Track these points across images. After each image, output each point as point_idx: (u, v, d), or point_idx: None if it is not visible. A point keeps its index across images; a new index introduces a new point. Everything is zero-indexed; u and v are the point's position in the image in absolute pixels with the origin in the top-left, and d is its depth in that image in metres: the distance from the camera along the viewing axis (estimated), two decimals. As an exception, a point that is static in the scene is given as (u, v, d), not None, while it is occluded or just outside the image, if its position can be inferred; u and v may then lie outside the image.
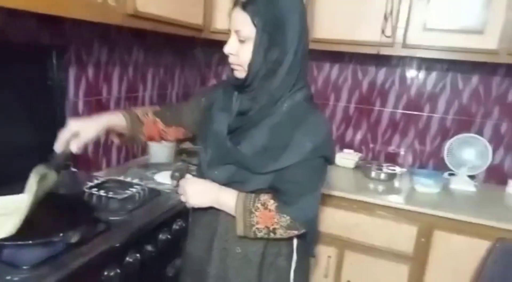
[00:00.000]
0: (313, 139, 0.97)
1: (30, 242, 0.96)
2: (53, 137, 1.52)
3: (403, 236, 1.74)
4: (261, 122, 1.01)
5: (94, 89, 1.73)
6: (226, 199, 1.02)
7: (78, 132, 1.05)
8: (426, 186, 1.89)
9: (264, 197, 1.00)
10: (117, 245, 1.09)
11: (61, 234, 0.99)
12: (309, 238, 1.08)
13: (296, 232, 1.03)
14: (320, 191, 1.04)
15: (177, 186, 1.09)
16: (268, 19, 0.93)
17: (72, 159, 1.13)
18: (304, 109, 1.01)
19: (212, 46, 2.46)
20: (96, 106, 1.75)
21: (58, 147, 1.04)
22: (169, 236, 1.32)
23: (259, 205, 0.99)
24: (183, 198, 1.09)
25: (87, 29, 1.62)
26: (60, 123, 1.49)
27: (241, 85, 1.02)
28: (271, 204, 0.99)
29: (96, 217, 1.16)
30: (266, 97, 0.99)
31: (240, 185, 1.02)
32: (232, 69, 1.03)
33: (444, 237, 1.68)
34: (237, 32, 0.97)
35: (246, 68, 0.98)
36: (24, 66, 1.36)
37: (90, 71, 1.69)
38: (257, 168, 0.99)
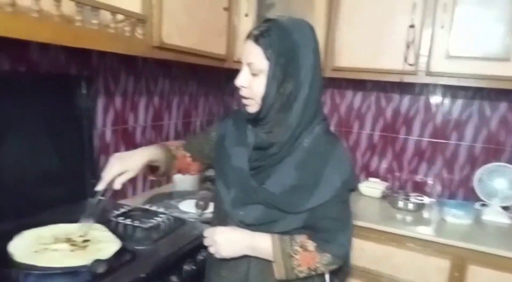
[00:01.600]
0: (341, 174, 0.97)
1: (58, 271, 0.96)
2: (81, 166, 1.54)
3: (435, 270, 1.65)
4: (284, 160, 0.98)
5: (121, 118, 1.76)
6: (261, 245, 0.98)
7: (122, 172, 1.02)
8: (457, 217, 1.81)
9: (300, 238, 0.98)
10: (143, 275, 1.06)
11: (88, 264, 0.98)
12: (344, 267, 1.06)
13: (336, 266, 1.01)
14: (352, 222, 1.03)
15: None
16: (281, 52, 0.92)
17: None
18: (327, 144, 0.99)
19: (235, 75, 2.50)
20: (123, 134, 1.78)
21: (101, 187, 1.02)
22: (193, 267, 1.28)
23: (297, 248, 0.96)
24: (212, 249, 1.04)
25: (114, 59, 1.67)
26: (88, 152, 1.52)
27: (254, 119, 1.00)
28: (310, 244, 0.97)
29: (123, 247, 1.15)
30: (284, 132, 0.96)
31: (269, 226, 0.99)
32: (244, 105, 1.01)
33: (479, 272, 1.59)
34: (249, 64, 0.96)
35: (259, 101, 0.96)
36: (53, 97, 1.40)
37: (118, 101, 1.73)
38: (291, 207, 0.97)
